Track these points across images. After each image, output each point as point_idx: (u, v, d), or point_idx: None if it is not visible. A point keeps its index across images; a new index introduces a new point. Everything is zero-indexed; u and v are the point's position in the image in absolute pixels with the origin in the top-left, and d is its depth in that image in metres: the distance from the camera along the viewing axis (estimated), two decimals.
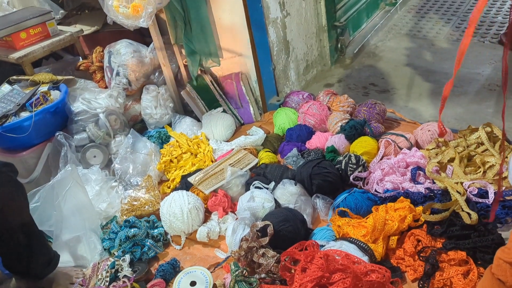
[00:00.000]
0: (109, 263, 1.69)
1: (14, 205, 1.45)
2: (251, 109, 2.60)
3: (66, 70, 2.59)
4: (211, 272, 1.65)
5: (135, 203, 1.96)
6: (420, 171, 1.88)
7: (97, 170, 2.09)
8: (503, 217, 1.61)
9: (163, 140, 2.44)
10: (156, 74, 2.57)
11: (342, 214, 1.76)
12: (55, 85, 2.28)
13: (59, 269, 1.68)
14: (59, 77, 2.32)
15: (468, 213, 1.57)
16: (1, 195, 1.39)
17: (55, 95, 2.20)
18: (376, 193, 1.84)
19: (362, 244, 1.55)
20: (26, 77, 2.29)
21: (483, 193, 1.70)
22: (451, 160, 1.91)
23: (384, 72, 3.13)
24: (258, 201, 1.84)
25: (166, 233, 1.90)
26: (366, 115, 2.31)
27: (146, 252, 1.78)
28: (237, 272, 1.56)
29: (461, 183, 1.76)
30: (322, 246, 1.60)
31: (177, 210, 1.83)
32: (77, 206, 1.79)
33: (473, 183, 1.75)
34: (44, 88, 2.22)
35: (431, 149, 2.00)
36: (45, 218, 1.74)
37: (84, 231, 1.78)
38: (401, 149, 2.04)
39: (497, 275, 0.85)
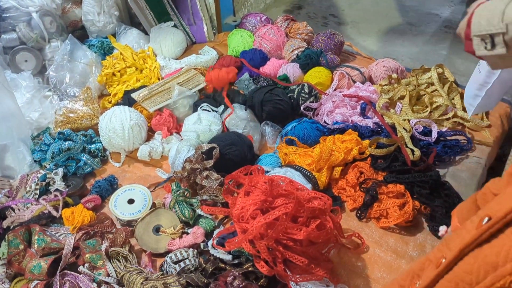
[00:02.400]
0: (39, 175, 1.57)
1: None
2: (205, 27, 2.44)
3: None
4: (150, 192, 1.59)
5: (71, 115, 1.81)
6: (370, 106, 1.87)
7: (29, 76, 1.89)
8: (443, 156, 1.66)
9: (105, 51, 2.24)
10: None
11: (290, 142, 1.74)
12: None
13: None
14: None
15: (412, 150, 1.60)
16: None
17: None
18: (325, 124, 1.82)
19: (306, 172, 1.55)
20: None
21: (427, 132, 1.74)
22: (401, 97, 1.91)
23: (345, 4, 3.03)
24: (205, 123, 1.76)
25: (104, 149, 1.79)
26: (323, 45, 2.24)
27: (81, 167, 1.68)
28: (178, 193, 1.51)
29: (408, 120, 1.78)
30: (267, 172, 1.59)
31: (117, 126, 1.71)
32: (3, 112, 1.62)
33: (419, 121, 1.77)
34: None
35: (384, 85, 1.99)
36: None
37: (11, 140, 1.63)
38: (354, 82, 2.01)
39: (479, 202, 0.86)
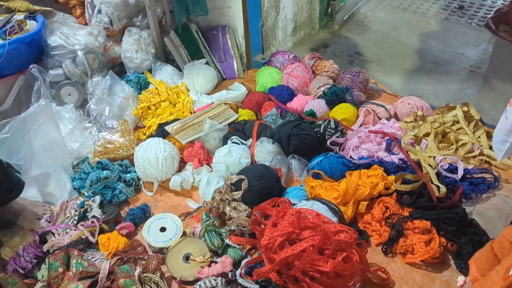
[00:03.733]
0: (78, 202, 1.66)
1: None
2: (235, 64, 2.56)
3: (44, 1, 2.44)
4: (181, 220, 1.65)
5: (109, 146, 1.92)
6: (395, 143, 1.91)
7: (71, 108, 2.03)
8: (469, 193, 1.67)
9: (141, 86, 2.37)
10: (140, 17, 2.46)
11: (316, 176, 1.78)
12: (31, 15, 2.15)
13: (27, 203, 1.66)
14: (37, 7, 2.19)
15: (437, 186, 1.62)
16: None
17: (31, 26, 2.09)
18: (351, 159, 1.86)
19: (333, 206, 1.59)
20: (0, 3, 2.15)
21: (453, 169, 1.76)
22: (427, 134, 1.95)
23: (371, 42, 3.12)
24: (235, 156, 1.83)
25: (138, 179, 1.88)
26: (349, 82, 2.31)
27: (117, 195, 1.76)
28: (208, 222, 1.57)
29: (434, 157, 1.81)
30: (294, 204, 1.63)
31: (152, 156, 1.81)
32: (48, 142, 1.74)
33: (444, 158, 1.80)
34: (19, 16, 2.09)
35: (409, 122, 2.03)
36: (14, 151, 1.68)
37: (54, 168, 1.74)
38: (380, 119, 2.06)
39: (496, 250, 0.87)
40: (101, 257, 1.51)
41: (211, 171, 1.88)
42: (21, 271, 1.45)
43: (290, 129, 1.91)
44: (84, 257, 1.45)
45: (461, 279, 1.34)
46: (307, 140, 1.89)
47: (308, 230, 1.34)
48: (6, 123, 1.67)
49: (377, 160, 1.82)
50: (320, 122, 2.01)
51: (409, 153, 1.83)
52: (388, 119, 2.06)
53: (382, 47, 3.04)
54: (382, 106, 2.12)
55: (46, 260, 1.43)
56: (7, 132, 1.65)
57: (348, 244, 1.31)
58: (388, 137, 1.91)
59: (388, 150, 1.88)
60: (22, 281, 1.40)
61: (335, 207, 1.58)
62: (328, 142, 1.94)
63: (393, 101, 2.24)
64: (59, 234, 1.55)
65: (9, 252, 1.56)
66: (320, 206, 1.57)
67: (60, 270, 1.39)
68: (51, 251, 1.50)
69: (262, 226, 1.50)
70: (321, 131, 1.97)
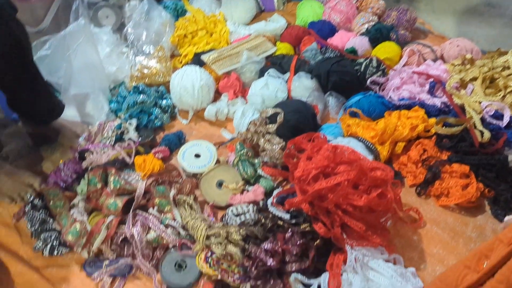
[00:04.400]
0: (115, 123, 1.69)
1: (15, 41, 1.37)
2: None
3: None
4: (216, 149, 1.67)
5: (146, 71, 1.91)
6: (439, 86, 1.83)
7: (109, 31, 2.00)
8: None
9: (178, 13, 2.31)
10: None
11: (353, 115, 1.74)
12: None
13: (66, 122, 1.69)
14: None
15: (481, 131, 1.56)
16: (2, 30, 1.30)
17: None
18: (390, 99, 1.80)
19: (369, 144, 1.56)
20: None
21: (498, 116, 1.68)
22: (474, 79, 1.85)
23: None
24: (271, 89, 1.80)
25: (174, 106, 1.88)
26: (395, 20, 2.19)
27: (152, 121, 1.78)
28: (242, 152, 1.58)
29: (479, 102, 1.72)
30: (329, 141, 1.61)
31: (188, 84, 1.79)
32: (87, 63, 1.74)
33: (490, 104, 1.71)
34: None
35: (456, 65, 1.93)
36: (54, 68, 1.70)
37: (92, 89, 1.75)
38: (425, 60, 1.97)
39: None
40: (136, 178, 1.54)
41: (246, 103, 1.86)
42: (61, 184, 1.51)
43: (330, 65, 1.84)
44: (121, 176, 1.50)
45: (508, 218, 1.32)
46: (347, 78, 1.83)
47: (344, 165, 1.32)
48: (46, 40, 1.67)
49: (418, 102, 1.75)
50: (362, 60, 1.93)
51: (453, 97, 1.75)
52: (434, 61, 1.96)
53: None
54: (428, 46, 2.01)
55: (85, 175, 1.49)
56: (47, 49, 1.65)
57: (383, 181, 1.29)
58: (432, 79, 1.82)
59: (431, 92, 1.80)
60: (63, 193, 1.47)
61: (371, 146, 1.55)
62: (368, 81, 1.87)
63: (440, 43, 2.11)
64: (97, 153, 1.59)
65: (50, 166, 1.61)
66: (356, 143, 1.55)
67: (99, 186, 1.45)
68: (89, 168, 1.55)
69: (296, 159, 1.49)
70: (362, 70, 1.89)
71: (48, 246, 1.36)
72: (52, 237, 1.38)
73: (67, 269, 1.37)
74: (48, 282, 1.34)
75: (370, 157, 1.52)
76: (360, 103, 1.75)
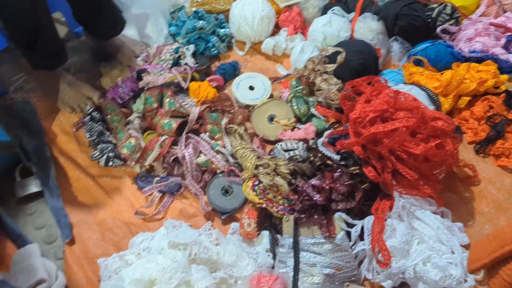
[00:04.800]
0: (173, 47, 1.68)
1: None
2: None
3: None
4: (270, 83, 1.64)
5: None
6: None
7: None
8: None
9: None
10: None
11: (417, 63, 1.65)
12: None
13: (126, 40, 1.71)
14: None
15: None
16: None
17: None
18: (460, 51, 1.68)
19: (432, 94, 1.48)
20: None
21: None
22: None
23: None
24: (334, 27, 1.72)
25: (231, 36, 1.85)
26: None
27: (209, 49, 1.77)
28: (297, 88, 1.55)
29: None
30: (390, 86, 1.54)
31: (248, 14, 1.75)
32: None
33: None
34: None
35: None
36: None
37: (153, 10, 1.74)
38: (505, 12, 1.80)
39: None
40: (190, 103, 1.56)
41: (305, 40, 1.80)
42: (119, 100, 1.55)
43: (400, 7, 1.73)
44: (176, 99, 1.51)
45: None
46: (416, 23, 1.72)
47: (404, 111, 1.27)
48: None
49: (491, 56, 1.63)
50: (435, 5, 1.80)
51: None
52: None
53: None
54: None
55: (142, 94, 1.52)
56: None
57: (444, 132, 1.24)
58: (511, 33, 1.68)
59: (507, 47, 1.67)
60: (119, 109, 1.51)
61: (434, 96, 1.48)
62: (438, 29, 1.75)
63: None
64: (154, 74, 1.61)
65: (108, 82, 1.65)
66: (419, 91, 1.48)
67: (154, 105, 1.47)
68: (145, 88, 1.58)
69: (352, 102, 1.45)
70: (434, 16, 1.76)
71: (104, 157, 1.43)
72: (108, 149, 1.44)
73: (120, 180, 1.44)
74: (102, 189, 1.42)
75: (431, 107, 1.45)
76: (427, 51, 1.65)
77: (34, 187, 1.43)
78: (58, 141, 1.54)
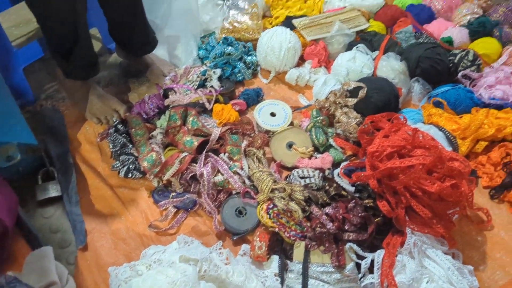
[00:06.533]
0: (201, 69, 1.75)
1: None
2: None
3: None
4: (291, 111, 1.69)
5: (237, 25, 1.95)
6: None
7: None
8: None
9: None
10: None
11: (437, 105, 1.68)
12: None
13: (156, 59, 1.78)
14: None
15: None
16: None
17: None
18: (480, 97, 1.71)
19: (450, 136, 1.51)
20: None
21: None
22: None
23: None
24: (358, 63, 1.77)
25: (257, 64, 1.91)
26: (501, 16, 2.05)
27: (235, 74, 1.83)
28: (317, 118, 1.59)
29: None
30: (409, 125, 1.57)
31: (276, 45, 1.81)
32: (185, 8, 1.81)
33: None
34: None
35: None
36: (153, 8, 1.78)
37: (185, 33, 1.82)
38: None
39: None
40: (213, 123, 1.61)
41: (328, 74, 1.85)
42: (144, 115, 1.61)
43: (423, 50, 1.78)
44: (199, 118, 1.56)
45: None
46: (438, 66, 1.76)
47: (421, 149, 1.29)
48: None
49: (510, 104, 1.65)
50: (457, 51, 1.84)
51: None
52: None
53: None
54: None
55: (167, 112, 1.57)
56: None
57: (460, 173, 1.25)
58: None
59: None
60: (144, 124, 1.56)
61: (451, 137, 1.50)
62: (459, 74, 1.79)
63: None
64: (180, 93, 1.67)
65: (135, 98, 1.72)
66: (437, 132, 1.50)
67: (178, 123, 1.52)
68: (171, 105, 1.63)
69: (371, 136, 1.48)
70: (456, 61, 1.81)
71: (125, 168, 1.47)
72: (129, 161, 1.48)
73: (137, 192, 1.47)
74: (119, 200, 1.46)
75: (449, 149, 1.47)
76: (447, 94, 1.69)
77: (54, 191, 1.47)
78: (81, 149, 1.60)
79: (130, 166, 1.47)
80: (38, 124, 1.65)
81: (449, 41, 1.94)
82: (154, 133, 1.55)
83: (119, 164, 1.48)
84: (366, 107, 1.62)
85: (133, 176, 1.48)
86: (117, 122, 1.56)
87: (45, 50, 1.86)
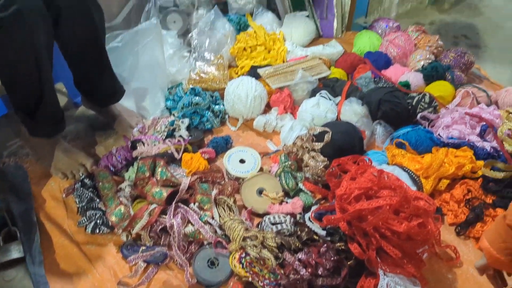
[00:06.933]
0: (169, 120, 1.76)
1: (91, 22, 1.49)
2: (335, 23, 2.51)
3: None
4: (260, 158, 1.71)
5: (204, 75, 2.00)
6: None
7: (174, 35, 2.12)
8: None
9: (241, 27, 2.40)
10: None
11: (399, 146, 1.75)
12: None
13: (123, 111, 1.79)
14: None
15: None
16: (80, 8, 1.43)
17: None
18: (439, 137, 1.79)
19: (413, 175, 1.56)
20: None
21: None
22: None
23: (480, 28, 2.91)
24: (322, 109, 1.83)
25: (225, 112, 1.95)
26: (451, 61, 2.20)
27: (203, 123, 1.85)
28: (286, 163, 1.61)
29: None
30: (374, 166, 1.62)
31: (242, 93, 1.86)
32: (152, 60, 1.85)
33: None
34: None
35: (511, 113, 1.90)
36: (120, 61, 1.80)
37: (152, 86, 1.85)
38: (478, 103, 1.95)
39: (510, 221, 0.92)
40: (182, 173, 1.60)
41: (294, 119, 1.90)
42: (111, 168, 1.59)
43: (382, 94, 1.86)
44: (168, 169, 1.56)
45: None
46: (398, 109, 1.84)
47: (388, 190, 1.33)
48: (119, 34, 1.78)
49: (467, 143, 1.74)
50: (414, 94, 1.94)
51: (504, 143, 1.73)
52: (487, 105, 1.94)
53: (492, 35, 2.83)
54: (484, 91, 2.00)
55: (135, 163, 1.56)
56: (119, 42, 1.77)
57: (426, 212, 1.29)
58: (484, 123, 1.80)
59: (482, 135, 1.78)
60: (112, 177, 1.54)
61: (416, 177, 1.55)
62: (418, 116, 1.88)
63: (495, 90, 2.10)
64: (148, 145, 1.67)
65: (102, 151, 1.70)
66: (401, 172, 1.55)
67: (147, 174, 1.51)
68: (139, 157, 1.62)
69: (338, 179, 1.51)
70: (414, 104, 1.90)
71: (92, 224, 1.43)
72: (97, 216, 1.44)
73: (105, 248, 1.43)
74: (85, 257, 1.40)
75: (414, 188, 1.51)
76: (408, 135, 1.76)
77: (16, 252, 1.40)
78: (46, 206, 1.55)
79: (98, 221, 1.43)
80: (0, 182, 1.59)
81: (407, 84, 2.05)
82: (122, 185, 1.53)
83: (85, 220, 1.44)
84: (332, 150, 1.66)
85: (101, 231, 1.43)
86: (83, 176, 1.54)
87: (9, 107, 1.83)
